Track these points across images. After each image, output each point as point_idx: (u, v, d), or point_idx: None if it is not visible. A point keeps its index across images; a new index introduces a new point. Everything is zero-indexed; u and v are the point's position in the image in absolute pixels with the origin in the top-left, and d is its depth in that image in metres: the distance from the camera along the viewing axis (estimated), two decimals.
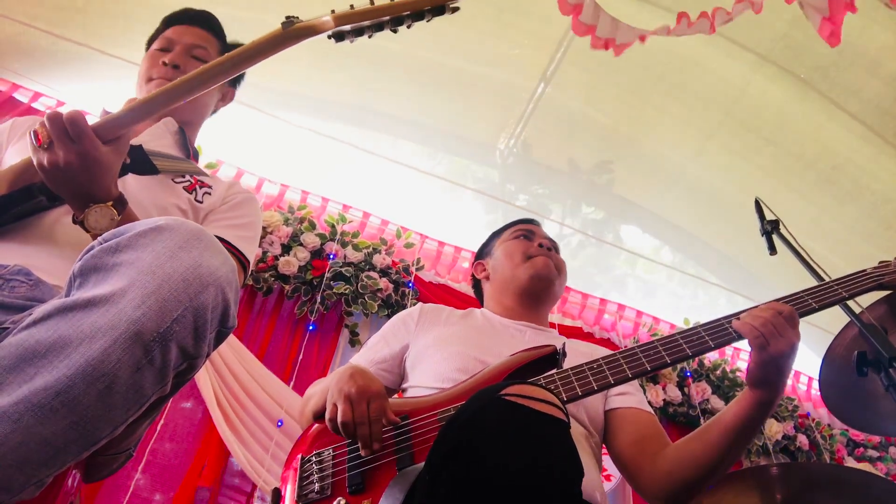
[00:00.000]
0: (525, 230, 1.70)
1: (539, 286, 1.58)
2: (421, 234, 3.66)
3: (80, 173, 0.90)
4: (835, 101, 3.33)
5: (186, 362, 0.73)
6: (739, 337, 1.13)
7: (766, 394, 1.11)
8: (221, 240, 1.17)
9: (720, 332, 1.17)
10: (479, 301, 1.79)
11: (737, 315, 1.18)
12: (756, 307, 1.18)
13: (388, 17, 0.89)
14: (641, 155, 3.71)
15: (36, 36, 2.96)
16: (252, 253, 1.28)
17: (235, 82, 1.59)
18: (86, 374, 0.63)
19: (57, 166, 0.89)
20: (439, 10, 0.90)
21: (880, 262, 1.30)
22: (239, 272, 1.21)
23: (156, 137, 1.33)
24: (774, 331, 1.09)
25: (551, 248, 1.65)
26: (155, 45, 1.43)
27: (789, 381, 4.13)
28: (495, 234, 1.79)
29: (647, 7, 3.02)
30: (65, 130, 0.88)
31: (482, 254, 1.79)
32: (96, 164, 0.91)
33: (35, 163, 0.91)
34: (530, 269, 1.58)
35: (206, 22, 1.47)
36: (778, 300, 1.21)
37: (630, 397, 1.40)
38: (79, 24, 2.96)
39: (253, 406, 2.65)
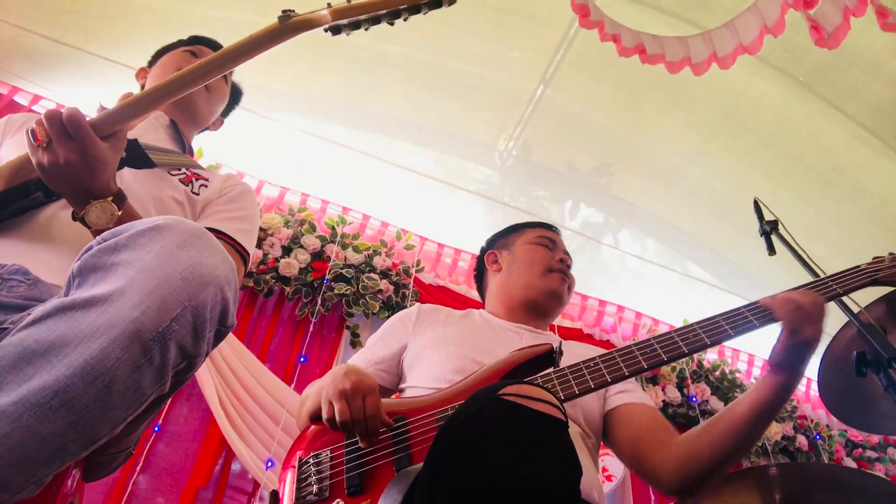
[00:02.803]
0: (549, 239, 1.67)
1: (551, 303, 1.58)
2: (421, 237, 3.67)
3: (80, 170, 0.90)
4: (834, 104, 3.33)
5: (185, 361, 0.73)
6: (736, 334, 1.14)
7: (788, 378, 1.13)
8: (220, 232, 1.18)
9: (715, 329, 1.17)
10: (478, 290, 1.77)
11: (729, 312, 1.18)
12: (784, 293, 1.18)
13: (384, 11, 0.88)
14: (641, 157, 3.71)
15: (36, 39, 2.96)
16: (251, 245, 1.28)
17: (230, 108, 1.64)
18: (85, 374, 0.63)
19: (57, 165, 0.89)
20: (436, 3, 0.88)
21: (874, 258, 1.30)
22: (238, 265, 1.21)
23: (149, 131, 1.33)
24: (810, 316, 1.10)
25: (570, 265, 1.65)
26: (183, 48, 1.47)
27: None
28: (515, 229, 1.75)
29: (647, 10, 3.02)
30: (63, 128, 0.88)
31: (498, 244, 1.74)
32: (96, 161, 0.90)
33: (34, 162, 0.91)
34: (548, 284, 1.56)
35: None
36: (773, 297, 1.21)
37: (631, 394, 1.40)
38: (79, 28, 2.97)
39: (255, 406, 2.65)
